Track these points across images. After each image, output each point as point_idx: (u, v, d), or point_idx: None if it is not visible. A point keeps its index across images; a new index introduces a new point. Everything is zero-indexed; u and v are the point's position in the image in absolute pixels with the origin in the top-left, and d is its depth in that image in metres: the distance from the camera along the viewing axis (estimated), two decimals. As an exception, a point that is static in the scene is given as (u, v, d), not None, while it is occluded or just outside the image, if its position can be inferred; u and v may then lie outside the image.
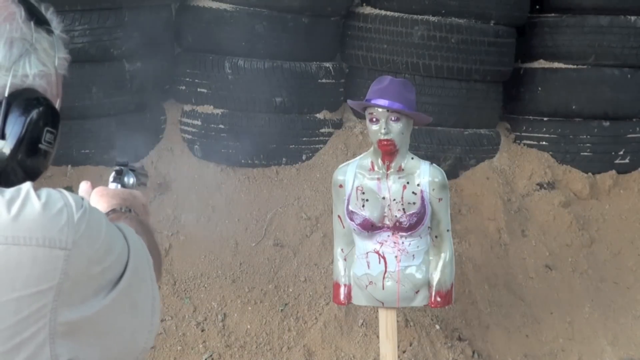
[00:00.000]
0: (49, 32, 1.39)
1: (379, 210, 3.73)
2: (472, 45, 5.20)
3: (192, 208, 4.99)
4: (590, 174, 5.59)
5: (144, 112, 5.19)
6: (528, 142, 5.64)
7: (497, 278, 5.00)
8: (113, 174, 1.80)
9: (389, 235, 3.74)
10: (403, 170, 3.71)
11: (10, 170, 1.33)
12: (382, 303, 3.83)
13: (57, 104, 1.42)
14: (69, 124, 4.79)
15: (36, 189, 1.29)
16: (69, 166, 4.93)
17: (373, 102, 3.62)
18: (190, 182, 5.12)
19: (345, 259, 3.87)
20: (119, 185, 1.78)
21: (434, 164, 3.76)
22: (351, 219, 3.75)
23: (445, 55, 5.16)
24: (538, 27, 5.58)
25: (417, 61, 5.16)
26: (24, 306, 1.24)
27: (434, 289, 3.78)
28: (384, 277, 3.76)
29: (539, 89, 5.57)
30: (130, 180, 1.81)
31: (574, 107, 5.53)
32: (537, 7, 5.58)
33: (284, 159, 5.28)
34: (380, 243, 3.76)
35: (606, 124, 5.59)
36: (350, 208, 3.76)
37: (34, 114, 1.34)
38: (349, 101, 4.06)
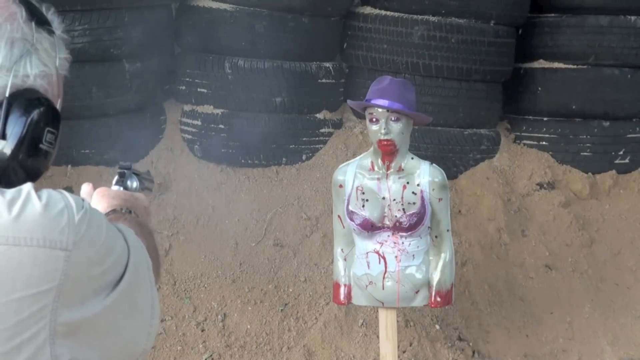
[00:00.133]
0: (50, 32, 1.39)
1: (379, 210, 3.73)
2: (472, 45, 5.20)
3: (192, 208, 4.99)
4: (590, 174, 5.59)
5: (144, 112, 5.19)
6: (528, 142, 5.64)
7: (497, 278, 5.00)
8: (116, 177, 1.80)
9: (389, 235, 3.74)
10: (403, 170, 3.71)
11: (11, 170, 1.33)
12: (382, 303, 3.83)
13: (58, 105, 1.42)
14: (69, 124, 4.79)
15: (36, 189, 1.29)
16: (69, 166, 4.93)
17: (373, 102, 3.62)
18: (190, 182, 5.13)
19: (345, 259, 3.87)
20: (122, 188, 1.78)
21: (434, 164, 3.76)
22: (351, 219, 3.75)
23: (445, 55, 5.16)
24: (538, 27, 5.58)
25: (417, 61, 5.16)
26: (25, 307, 1.24)
27: (434, 289, 3.78)
28: (384, 277, 3.76)
29: (539, 89, 5.57)
30: (133, 183, 1.81)
31: (574, 107, 5.53)
32: (540, 6, 5.57)
33: (284, 159, 5.28)
34: (380, 243, 3.76)
35: (606, 124, 5.60)
36: (350, 208, 3.76)
37: (35, 114, 1.34)
38: (349, 101, 4.06)
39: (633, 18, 5.50)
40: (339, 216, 3.85)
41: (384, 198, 3.72)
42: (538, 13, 5.58)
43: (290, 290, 4.73)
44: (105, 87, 4.93)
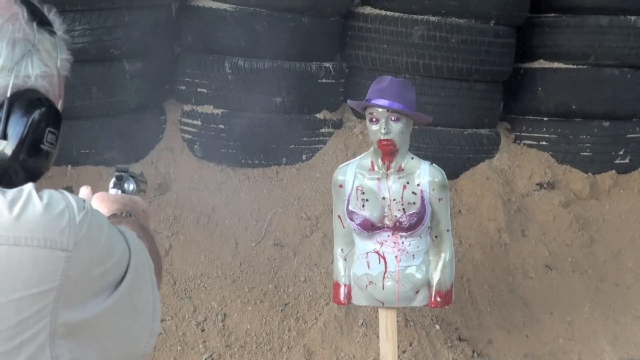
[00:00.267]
0: (52, 33, 1.40)
1: (378, 210, 3.73)
2: (472, 45, 5.20)
3: (192, 208, 4.99)
4: (590, 174, 5.59)
5: (144, 112, 5.19)
6: (528, 142, 5.64)
7: (497, 278, 5.00)
8: (113, 179, 1.80)
9: (389, 235, 3.74)
10: (403, 170, 3.71)
11: (12, 170, 1.33)
12: (382, 303, 3.83)
13: (59, 105, 1.42)
14: (69, 124, 4.79)
15: (38, 190, 1.29)
16: (69, 166, 4.93)
17: (373, 102, 3.62)
18: (190, 182, 5.13)
19: (345, 259, 3.87)
20: (119, 191, 1.78)
21: (434, 164, 3.76)
22: (351, 219, 3.75)
23: (445, 55, 5.16)
24: (538, 27, 5.58)
25: (417, 61, 5.16)
26: (25, 307, 1.24)
27: (434, 289, 3.77)
28: (384, 277, 3.76)
29: (539, 89, 5.57)
30: (130, 186, 1.81)
31: (574, 107, 5.53)
32: (540, 6, 5.57)
33: (284, 159, 5.27)
34: (380, 243, 3.76)
35: (606, 124, 5.60)
36: (350, 208, 3.76)
37: (36, 114, 1.34)
38: (349, 101, 4.06)
39: (633, 18, 5.50)
40: (339, 216, 3.85)
41: (384, 198, 3.72)
42: (538, 13, 5.58)
43: (290, 290, 4.73)
44: (105, 87, 4.93)
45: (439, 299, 3.79)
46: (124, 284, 1.33)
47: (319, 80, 5.26)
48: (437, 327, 4.64)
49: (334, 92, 5.38)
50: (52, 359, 1.27)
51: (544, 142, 5.61)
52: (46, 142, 1.36)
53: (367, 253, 3.78)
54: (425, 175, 3.70)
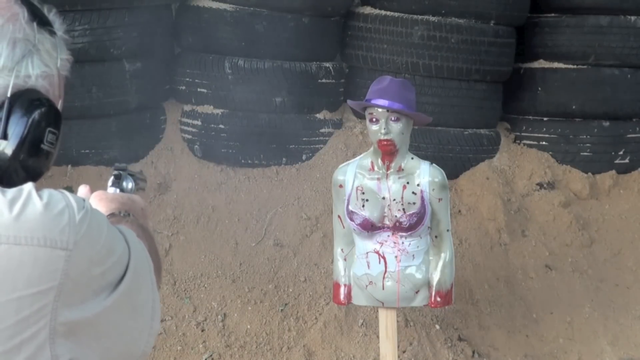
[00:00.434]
0: (52, 33, 1.40)
1: (378, 210, 3.73)
2: (472, 45, 5.20)
3: (192, 208, 4.99)
4: (590, 174, 5.59)
5: (144, 112, 5.19)
6: (528, 142, 5.64)
7: (497, 278, 5.00)
8: (112, 178, 1.79)
9: (389, 235, 3.74)
10: (403, 170, 3.71)
11: (12, 170, 1.33)
12: (382, 303, 3.83)
13: (59, 105, 1.42)
14: (69, 124, 4.79)
15: (37, 189, 1.29)
16: (69, 166, 4.93)
17: (373, 102, 3.62)
18: (190, 182, 5.13)
19: (345, 259, 3.87)
20: (118, 190, 1.78)
21: (434, 164, 3.76)
22: (351, 219, 3.75)
23: (445, 55, 5.16)
24: (538, 27, 5.58)
25: (417, 61, 5.16)
26: (25, 306, 1.24)
27: (433, 289, 3.77)
28: (384, 277, 3.76)
29: (539, 89, 5.57)
30: (129, 184, 1.80)
31: (574, 107, 5.53)
32: (540, 6, 5.57)
33: (284, 159, 5.28)
34: (380, 243, 3.76)
35: (606, 124, 5.60)
36: (350, 208, 3.76)
37: (36, 114, 1.34)
38: (349, 101, 4.06)
39: (633, 18, 5.50)
40: (339, 216, 3.85)
41: (384, 198, 3.72)
42: (538, 13, 5.58)
43: (290, 290, 4.73)
44: (105, 87, 4.93)
45: (439, 299, 3.79)
46: (123, 283, 1.33)
47: (319, 80, 5.27)
48: (437, 327, 4.64)
49: (334, 92, 5.38)
50: (52, 358, 1.27)
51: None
52: (46, 142, 1.36)
53: (367, 253, 3.78)
54: (425, 175, 3.70)
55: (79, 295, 1.28)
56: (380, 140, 3.63)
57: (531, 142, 5.63)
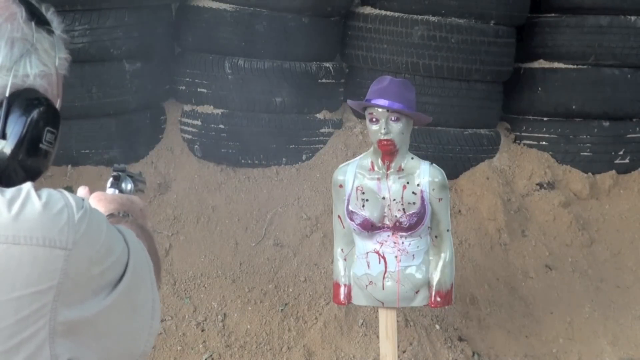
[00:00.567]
0: (50, 32, 1.40)
1: (379, 210, 3.73)
2: (472, 45, 5.20)
3: (192, 208, 4.99)
4: (590, 174, 5.59)
5: (144, 112, 5.19)
6: (528, 142, 5.64)
7: (497, 278, 5.00)
8: (111, 179, 1.79)
9: (389, 235, 3.74)
10: (403, 170, 3.71)
11: (11, 170, 1.33)
12: (382, 303, 3.83)
13: (58, 104, 1.42)
14: (68, 124, 4.80)
15: (37, 189, 1.29)
16: (69, 166, 4.93)
17: (373, 102, 3.62)
18: (190, 182, 5.13)
19: (345, 259, 3.87)
20: (117, 191, 1.78)
21: (434, 164, 3.76)
22: (351, 219, 3.75)
23: (445, 55, 5.16)
24: (538, 27, 5.58)
25: (417, 61, 5.16)
26: (24, 305, 1.24)
27: (433, 289, 3.77)
28: (384, 277, 3.76)
29: (539, 89, 5.57)
30: (127, 186, 1.80)
31: (574, 107, 5.53)
32: (540, 6, 5.57)
33: (284, 159, 5.28)
34: (380, 243, 3.76)
35: (606, 124, 5.60)
36: (350, 208, 3.76)
37: (35, 114, 1.34)
38: (349, 101, 4.06)
39: (633, 18, 5.50)
40: (339, 216, 3.85)
41: (384, 198, 3.72)
42: (538, 13, 5.58)
43: (290, 290, 4.73)
44: (105, 87, 4.94)
45: (439, 299, 3.79)
46: (123, 282, 1.33)
47: (319, 80, 5.27)
48: (437, 327, 4.64)
49: (334, 92, 5.38)
50: (51, 358, 1.27)
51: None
52: (45, 141, 1.36)
53: (367, 253, 3.78)
54: (425, 175, 3.70)
55: (78, 294, 1.28)
56: (380, 140, 3.63)
57: (531, 142, 5.63)
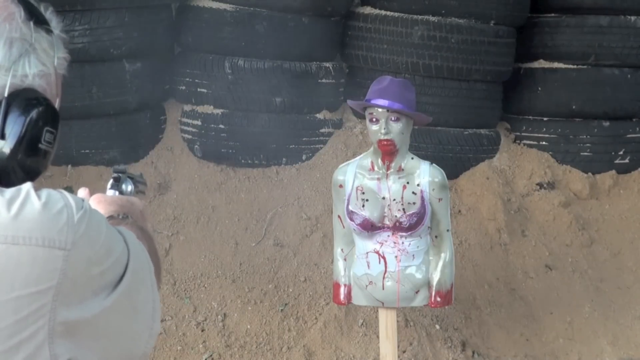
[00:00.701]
0: (48, 31, 1.39)
1: (379, 210, 3.73)
2: (472, 45, 5.20)
3: (192, 208, 4.99)
4: (590, 174, 5.59)
5: (144, 112, 5.19)
6: (528, 142, 5.64)
7: (497, 278, 5.00)
8: (111, 181, 1.79)
9: (389, 235, 3.74)
10: (403, 170, 3.71)
11: (10, 170, 1.33)
12: (382, 303, 3.83)
13: (57, 104, 1.42)
14: (69, 124, 4.80)
15: (37, 189, 1.29)
16: (69, 166, 4.93)
17: (373, 102, 3.62)
18: (190, 182, 5.13)
19: (345, 259, 3.87)
20: (117, 192, 1.77)
21: (434, 164, 3.76)
22: (351, 219, 3.75)
23: (445, 55, 5.16)
24: (538, 27, 5.58)
25: (417, 61, 5.16)
26: (23, 306, 1.24)
27: (433, 289, 3.77)
28: (384, 277, 3.76)
29: (539, 89, 5.57)
30: (128, 187, 1.80)
31: (574, 107, 5.53)
32: (540, 6, 5.57)
33: (284, 159, 5.28)
34: (380, 243, 3.76)
35: (606, 124, 5.60)
36: (350, 208, 3.76)
37: (34, 113, 1.34)
38: (349, 101, 4.06)
39: (633, 18, 5.50)
40: (339, 216, 3.85)
41: (384, 198, 3.72)
42: (538, 13, 5.58)
43: (290, 290, 4.73)
44: (105, 87, 4.94)
45: (439, 299, 3.79)
46: (122, 283, 1.33)
47: (319, 80, 5.26)
48: (437, 327, 4.64)
49: (334, 92, 5.38)
50: (50, 358, 1.26)
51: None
52: (44, 141, 1.36)
53: (367, 253, 3.78)
54: (425, 175, 3.70)
55: (77, 295, 1.28)
56: (380, 140, 3.63)
57: (531, 142, 5.63)
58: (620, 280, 5.18)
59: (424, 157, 3.94)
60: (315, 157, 5.34)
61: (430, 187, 3.69)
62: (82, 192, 1.72)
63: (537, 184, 5.47)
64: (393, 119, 3.60)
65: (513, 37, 5.41)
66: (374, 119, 3.63)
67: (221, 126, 5.16)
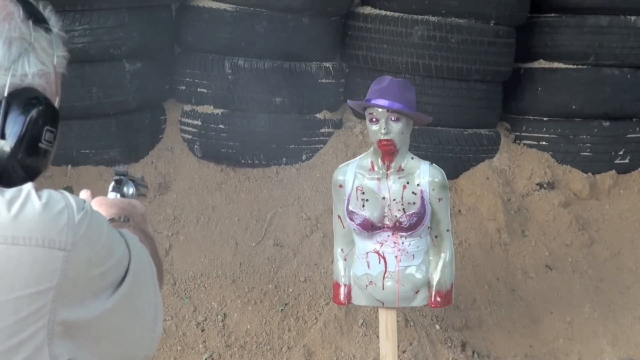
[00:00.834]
0: (48, 30, 1.39)
1: (379, 210, 3.72)
2: (472, 45, 5.20)
3: (192, 208, 4.99)
4: (590, 174, 5.59)
5: (144, 112, 5.19)
6: (528, 142, 5.64)
7: (497, 278, 5.00)
8: (112, 183, 1.78)
9: (389, 235, 3.74)
10: (403, 170, 3.71)
11: (11, 169, 1.33)
12: (382, 303, 3.83)
13: (57, 103, 1.41)
14: (69, 123, 4.80)
15: (37, 189, 1.29)
16: (69, 166, 4.93)
17: (373, 102, 3.62)
18: (190, 182, 5.13)
19: (345, 259, 3.87)
20: (118, 195, 1.77)
21: (434, 164, 3.76)
22: (351, 219, 3.75)
23: (445, 55, 5.16)
24: (538, 27, 5.58)
25: (417, 61, 5.16)
26: (23, 306, 1.24)
27: (433, 289, 3.77)
28: (384, 277, 3.76)
29: (539, 89, 5.57)
30: (129, 190, 1.80)
31: (574, 107, 5.53)
32: (540, 6, 5.57)
33: (284, 159, 5.27)
34: (380, 243, 3.76)
35: (606, 124, 5.59)
36: (350, 208, 3.76)
37: (34, 113, 1.34)
38: (349, 101, 4.06)
39: (633, 18, 5.50)
40: (339, 216, 3.85)
41: (384, 198, 3.72)
42: (538, 13, 5.57)
43: (290, 290, 4.73)
44: (105, 87, 4.94)
45: (439, 299, 3.79)
46: (123, 285, 1.33)
47: (319, 80, 5.26)
48: (437, 327, 4.64)
49: (334, 92, 5.38)
50: (50, 359, 1.26)
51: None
52: (44, 140, 1.36)
53: (367, 253, 3.78)
54: (425, 175, 3.70)
55: (77, 295, 1.28)
56: (380, 140, 3.63)
57: (531, 142, 5.63)
58: (620, 280, 5.18)
59: (424, 157, 3.94)
60: (315, 157, 5.34)
61: (430, 187, 3.69)
62: (84, 194, 1.71)
63: (537, 184, 5.47)
64: (393, 119, 3.60)
65: (513, 37, 5.41)
66: (374, 119, 3.63)
67: (221, 126, 5.16)
